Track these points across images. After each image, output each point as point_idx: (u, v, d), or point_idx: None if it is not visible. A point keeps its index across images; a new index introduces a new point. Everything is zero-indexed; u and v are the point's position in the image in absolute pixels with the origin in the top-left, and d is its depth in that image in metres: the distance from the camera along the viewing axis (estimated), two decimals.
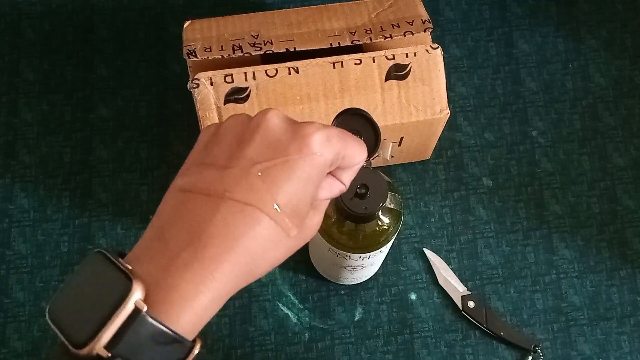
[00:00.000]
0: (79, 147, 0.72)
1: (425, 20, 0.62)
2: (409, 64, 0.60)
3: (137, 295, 0.33)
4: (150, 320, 0.33)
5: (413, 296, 0.68)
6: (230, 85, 0.58)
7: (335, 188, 0.40)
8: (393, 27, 0.61)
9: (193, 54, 0.59)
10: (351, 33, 0.61)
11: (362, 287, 0.68)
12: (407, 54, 0.60)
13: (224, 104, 0.58)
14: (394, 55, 0.60)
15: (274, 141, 0.36)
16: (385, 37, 0.60)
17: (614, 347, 0.67)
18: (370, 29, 0.61)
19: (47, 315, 0.35)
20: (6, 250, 0.68)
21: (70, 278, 0.36)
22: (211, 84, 0.58)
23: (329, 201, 0.41)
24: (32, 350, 0.65)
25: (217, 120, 0.58)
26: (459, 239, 0.70)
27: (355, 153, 0.39)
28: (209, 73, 0.58)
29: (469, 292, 0.68)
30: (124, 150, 0.72)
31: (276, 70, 0.59)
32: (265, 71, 0.59)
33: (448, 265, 0.69)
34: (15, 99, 0.73)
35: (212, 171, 0.36)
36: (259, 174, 0.35)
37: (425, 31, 0.61)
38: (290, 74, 0.59)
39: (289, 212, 0.36)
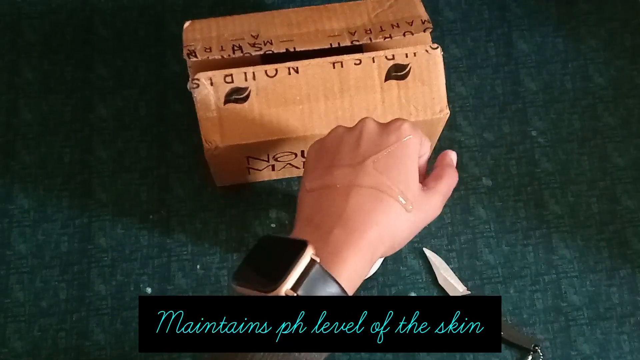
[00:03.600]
0: (78, 147, 0.72)
1: (424, 21, 0.62)
2: (408, 64, 0.60)
3: (311, 250, 0.44)
4: (323, 269, 0.43)
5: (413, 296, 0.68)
6: (230, 85, 0.58)
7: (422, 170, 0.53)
8: (393, 27, 0.61)
9: (193, 54, 0.59)
10: (351, 33, 0.61)
11: (362, 287, 0.68)
12: (406, 54, 0.60)
13: (224, 104, 0.59)
14: (393, 56, 0.60)
15: (376, 138, 0.49)
16: (385, 37, 0.60)
17: (614, 346, 0.67)
18: (370, 29, 0.61)
19: (231, 282, 0.45)
20: (6, 250, 0.68)
21: (245, 257, 0.47)
22: (211, 84, 0.58)
23: (447, 186, 0.52)
24: (32, 350, 0.65)
25: (217, 120, 0.59)
26: (458, 238, 0.70)
27: (426, 140, 0.52)
28: (209, 73, 0.58)
29: (469, 292, 0.68)
30: (124, 150, 0.72)
31: (276, 70, 0.59)
32: (265, 71, 0.59)
33: (448, 265, 0.69)
34: (15, 99, 0.73)
35: (340, 170, 0.48)
36: (373, 164, 0.48)
37: (425, 31, 0.61)
38: (290, 74, 0.59)
39: (402, 187, 0.48)
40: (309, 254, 0.43)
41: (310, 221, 0.48)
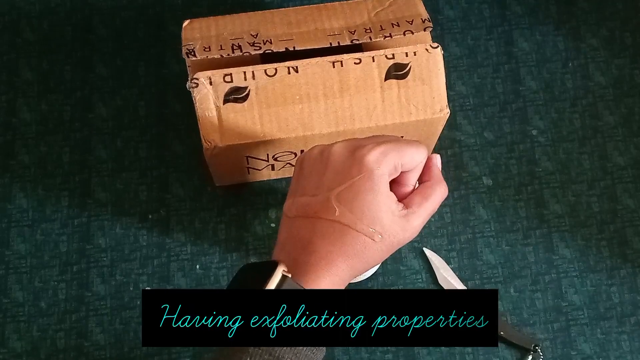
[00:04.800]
0: (78, 147, 0.72)
1: (425, 19, 0.61)
2: (408, 63, 0.60)
3: (282, 267, 0.46)
4: (296, 283, 0.45)
5: None
6: (230, 85, 0.58)
7: (404, 192, 0.50)
8: (393, 26, 0.61)
9: (192, 53, 0.59)
10: (351, 32, 0.61)
11: (361, 286, 0.68)
12: (406, 53, 0.60)
13: (223, 104, 0.58)
14: (393, 55, 0.59)
15: (340, 169, 0.48)
16: (385, 37, 0.60)
17: (614, 346, 0.67)
18: (369, 28, 0.61)
19: None
20: (5, 250, 0.68)
21: (227, 285, 0.50)
22: (210, 83, 0.58)
23: (433, 205, 0.49)
24: (32, 351, 0.65)
25: (216, 120, 0.58)
26: (458, 238, 0.70)
27: (413, 157, 0.49)
28: (208, 72, 0.58)
29: None
30: (123, 150, 0.72)
31: (275, 69, 0.59)
32: (265, 71, 0.58)
33: (448, 264, 0.69)
34: (14, 99, 0.73)
35: (306, 200, 0.49)
36: (336, 197, 0.47)
37: (425, 30, 0.61)
38: (289, 73, 0.59)
39: (368, 220, 0.47)
40: (280, 271, 0.45)
41: (283, 247, 0.49)
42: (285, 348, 0.44)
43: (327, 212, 0.47)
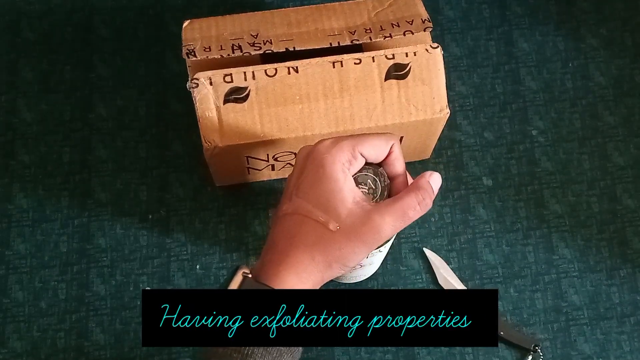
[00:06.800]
0: (78, 147, 0.72)
1: (425, 20, 0.61)
2: (408, 64, 0.60)
3: (242, 269, 0.54)
4: (256, 281, 0.47)
5: None
6: (230, 85, 0.58)
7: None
8: (393, 27, 0.61)
9: (192, 53, 0.59)
10: (351, 32, 0.61)
11: (361, 286, 0.68)
12: (406, 54, 0.60)
13: (223, 104, 0.58)
14: (393, 55, 0.59)
15: (300, 165, 0.49)
16: (385, 37, 0.60)
17: (614, 346, 0.67)
18: (370, 29, 0.61)
19: None
20: (5, 250, 0.68)
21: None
22: (210, 83, 0.58)
23: (401, 208, 0.47)
24: (32, 351, 0.65)
25: (216, 120, 0.58)
26: (458, 238, 0.70)
27: (374, 143, 0.49)
28: (208, 73, 0.58)
29: None
30: (123, 150, 0.72)
31: (275, 69, 0.59)
32: (265, 71, 0.59)
33: (448, 264, 0.69)
34: (14, 99, 0.73)
35: (280, 204, 0.50)
36: (295, 191, 0.48)
37: (425, 30, 0.61)
38: (289, 73, 0.59)
39: (323, 208, 0.47)
40: (240, 273, 0.51)
41: (264, 249, 0.51)
42: (285, 348, 0.45)
43: (288, 206, 0.49)
